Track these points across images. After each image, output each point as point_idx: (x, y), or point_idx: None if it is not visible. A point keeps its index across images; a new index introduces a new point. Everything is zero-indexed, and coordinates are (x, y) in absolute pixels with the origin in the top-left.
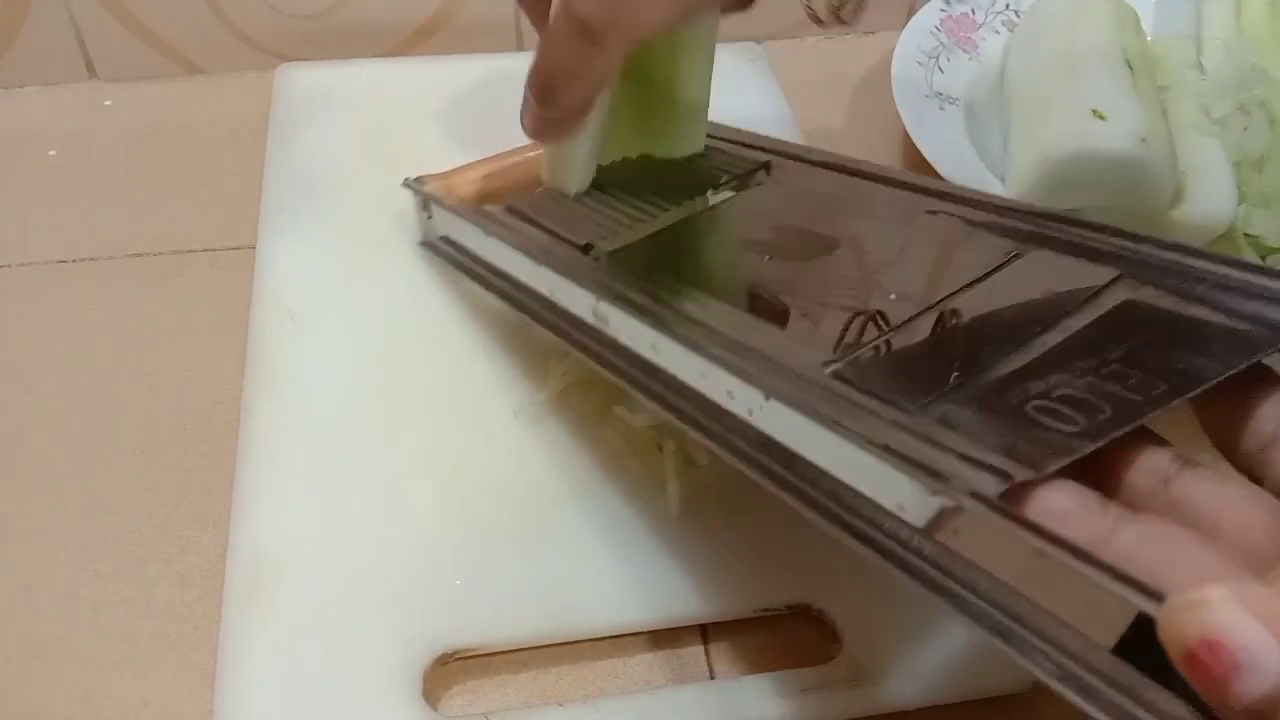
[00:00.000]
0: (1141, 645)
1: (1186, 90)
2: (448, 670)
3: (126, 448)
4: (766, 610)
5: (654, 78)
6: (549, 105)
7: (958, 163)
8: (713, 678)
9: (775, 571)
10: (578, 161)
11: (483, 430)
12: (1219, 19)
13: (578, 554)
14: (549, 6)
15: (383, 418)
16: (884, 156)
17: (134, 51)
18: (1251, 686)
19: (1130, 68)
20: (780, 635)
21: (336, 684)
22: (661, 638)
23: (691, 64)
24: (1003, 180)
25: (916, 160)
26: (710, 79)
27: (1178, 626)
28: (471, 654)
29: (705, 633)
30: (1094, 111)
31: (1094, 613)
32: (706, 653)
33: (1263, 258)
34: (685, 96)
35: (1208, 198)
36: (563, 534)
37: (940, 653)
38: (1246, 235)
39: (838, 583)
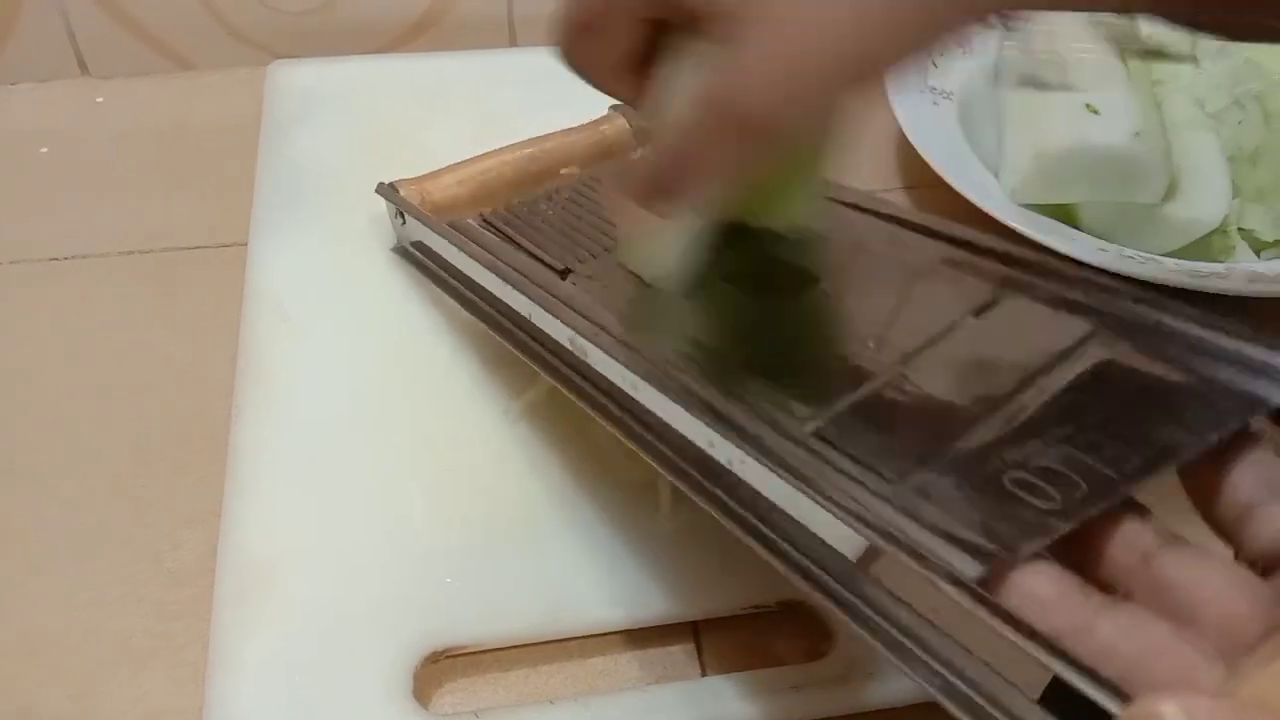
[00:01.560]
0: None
1: (1181, 84)
2: (438, 668)
3: (118, 445)
4: (758, 607)
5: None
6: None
7: (952, 158)
8: (704, 675)
9: (766, 568)
10: (676, 245)
11: (475, 428)
12: None
13: (568, 551)
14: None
15: (375, 415)
16: (878, 153)
17: (126, 48)
18: None
19: (1124, 62)
20: (772, 632)
21: (327, 682)
22: (652, 635)
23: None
24: (997, 175)
25: (911, 156)
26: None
27: None
28: (462, 652)
29: (696, 630)
30: (1087, 106)
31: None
32: (698, 650)
33: (1257, 253)
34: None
35: (1202, 192)
36: (553, 531)
37: None
38: (1241, 230)
39: None
